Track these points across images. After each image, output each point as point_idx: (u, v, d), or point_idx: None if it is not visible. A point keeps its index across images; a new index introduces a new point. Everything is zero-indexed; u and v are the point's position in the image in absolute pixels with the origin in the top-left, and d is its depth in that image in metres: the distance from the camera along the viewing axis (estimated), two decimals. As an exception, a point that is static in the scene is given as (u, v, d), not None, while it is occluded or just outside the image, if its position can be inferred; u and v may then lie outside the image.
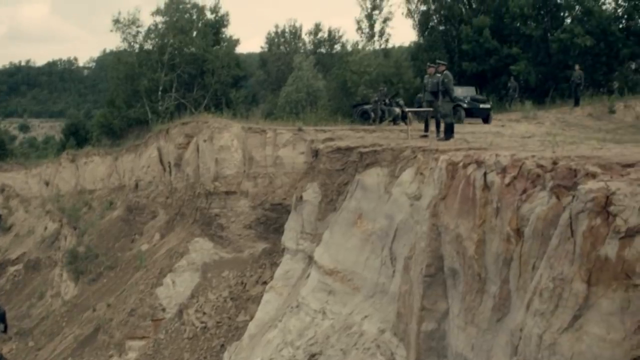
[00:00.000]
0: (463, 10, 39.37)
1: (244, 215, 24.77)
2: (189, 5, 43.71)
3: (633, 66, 38.99)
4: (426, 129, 18.96)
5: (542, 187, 8.80)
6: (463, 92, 27.42)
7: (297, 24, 52.85)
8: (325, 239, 16.34)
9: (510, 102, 32.48)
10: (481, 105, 26.89)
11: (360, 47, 43.38)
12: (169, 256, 25.76)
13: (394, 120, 26.38)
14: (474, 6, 40.05)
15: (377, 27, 44.04)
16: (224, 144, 25.00)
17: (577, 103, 30.06)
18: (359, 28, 44.25)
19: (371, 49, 43.72)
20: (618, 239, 6.15)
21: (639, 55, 35.88)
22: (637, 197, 6.31)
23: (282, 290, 18.28)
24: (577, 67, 30.32)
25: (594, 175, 8.10)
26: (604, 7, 36.25)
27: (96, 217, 34.88)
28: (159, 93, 41.59)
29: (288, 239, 18.21)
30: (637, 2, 36.11)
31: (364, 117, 27.04)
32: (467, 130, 20.98)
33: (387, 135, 23.22)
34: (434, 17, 41.80)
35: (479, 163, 9.82)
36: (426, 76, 18.93)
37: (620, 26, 35.70)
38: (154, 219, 29.94)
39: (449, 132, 17.24)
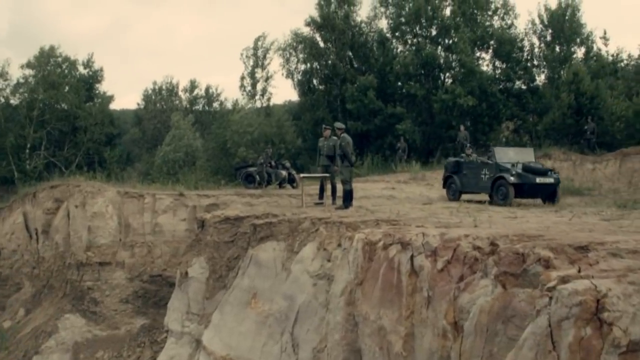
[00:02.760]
0: (345, 69, 38.88)
1: (120, 289, 22.46)
2: (60, 59, 41.46)
3: (511, 126, 39.70)
4: (321, 196, 17.59)
5: (483, 273, 7.55)
6: (513, 156, 19.26)
7: (174, 81, 51.26)
8: (215, 321, 14.48)
9: (398, 162, 31.90)
10: (539, 180, 18.00)
11: (241, 105, 42.18)
12: (34, 335, 22.87)
13: (281, 184, 25.11)
14: (355, 65, 39.74)
15: (260, 86, 43.06)
16: (97, 210, 22.72)
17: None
18: (242, 86, 43.12)
19: (253, 107, 42.57)
20: (618, 355, 4.86)
21: (518, 115, 36.46)
22: (631, 299, 5.09)
23: (166, 378, 16.18)
24: (462, 127, 30.22)
25: (546, 262, 6.95)
26: (483, 69, 36.83)
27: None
28: (27, 151, 39.15)
29: (172, 320, 16.15)
30: (512, 65, 36.96)
31: (249, 181, 25.56)
32: (360, 195, 19.94)
33: (277, 201, 21.86)
34: (316, 76, 41.18)
35: (404, 244, 8.48)
36: (321, 139, 17.62)
37: (500, 87, 36.27)
38: (18, 292, 26.82)
39: (348, 200, 16.01)
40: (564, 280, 5.89)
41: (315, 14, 39.26)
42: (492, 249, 7.85)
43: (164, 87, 50.32)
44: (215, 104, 52.26)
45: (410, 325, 8.17)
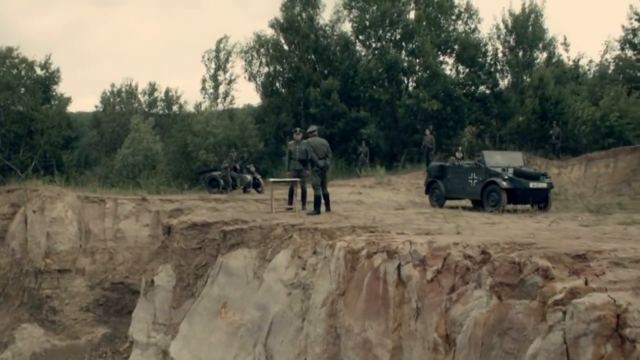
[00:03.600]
0: (309, 72, 38.43)
1: (80, 297, 21.67)
2: (17, 60, 40.17)
3: (473, 131, 39.72)
4: (290, 201, 17.08)
5: (476, 284, 7.17)
6: (502, 161, 18.48)
7: (134, 83, 50.09)
8: (183, 331, 13.92)
9: (361, 167, 31.56)
10: (532, 184, 17.32)
11: (203, 108, 41.44)
12: (-11, 347, 22.04)
13: (245, 189, 24.57)
14: (317, 68, 39.34)
15: (222, 89, 42.41)
16: (56, 215, 21.91)
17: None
18: (203, 88, 42.37)
19: (215, 110, 41.85)
20: (642, 375, 4.51)
21: (482, 120, 36.47)
22: (653, 314, 4.75)
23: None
24: (427, 131, 29.99)
25: (545, 272, 6.61)
26: (447, 73, 36.79)
27: None
28: (-19, 154, 37.80)
29: (137, 330, 15.50)
30: (476, 70, 36.98)
31: (212, 185, 24.92)
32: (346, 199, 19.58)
33: (243, 206, 21.33)
34: (279, 79, 40.69)
35: (391, 253, 8.07)
36: (291, 142, 17.09)
37: (464, 91, 36.22)
38: (-29, 302, 25.89)
39: (317, 206, 15.58)
40: (573, 292, 5.54)
41: (279, 16, 38.86)
42: (483, 257, 7.49)
43: (123, 89, 49.22)
44: (175, 107, 51.33)
45: (397, 338, 7.77)
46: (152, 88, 50.55)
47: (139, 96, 50.42)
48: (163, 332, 14.86)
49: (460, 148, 23.14)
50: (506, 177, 17.15)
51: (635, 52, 37.18)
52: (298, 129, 17.56)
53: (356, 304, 8.42)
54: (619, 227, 11.59)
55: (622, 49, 37.39)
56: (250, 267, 12.98)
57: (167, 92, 50.83)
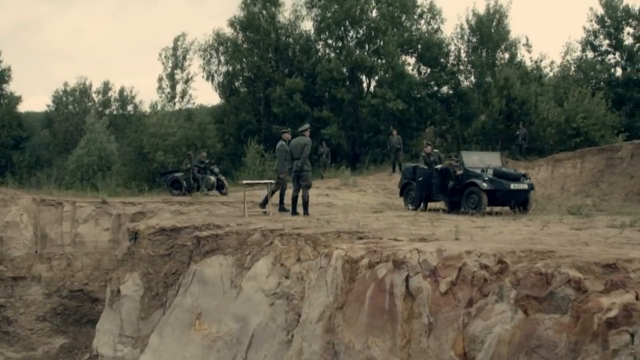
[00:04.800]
0: (270, 71, 37.65)
1: (37, 305, 20.50)
2: (-34, 59, 38.63)
3: (433, 131, 39.40)
4: (264, 204, 16.30)
5: (497, 297, 6.55)
6: (480, 161, 17.73)
7: (88, 82, 48.69)
8: (153, 344, 13.00)
9: (324, 168, 30.87)
10: (513, 186, 16.54)
11: (159, 107, 40.27)
12: (-63, 360, 20.76)
13: (209, 190, 23.69)
14: (279, 67, 38.58)
15: (179, 88, 41.33)
16: (10, 219, 20.65)
17: (395, 169, 29.05)
18: (160, 87, 41.26)
19: (171, 110, 40.78)
20: None
21: (445, 120, 36.21)
22: None
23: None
24: (394, 132, 29.43)
25: (577, 283, 6.04)
26: (411, 72, 36.46)
27: None
28: None
29: (102, 343, 14.48)
30: (439, 70, 36.70)
31: (175, 187, 23.95)
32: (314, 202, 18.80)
33: (208, 209, 20.48)
34: (238, 78, 39.81)
35: (398, 263, 7.38)
36: (283, 143, 16.11)
37: (428, 91, 35.90)
38: None
39: (295, 209, 14.91)
40: (628, 310, 4.94)
41: (238, 14, 38.05)
42: (501, 267, 6.88)
43: (76, 88, 47.74)
44: (130, 107, 50.07)
45: (407, 356, 7.09)
46: (106, 87, 49.28)
47: (93, 95, 49.03)
48: (131, 345, 13.92)
49: (425, 142, 22.15)
50: (486, 178, 16.40)
51: (596, 53, 37.40)
52: (287, 128, 16.86)
53: (357, 319, 7.71)
54: (612, 231, 11.12)
55: (583, 50, 37.58)
56: (227, 275, 12.16)
57: (121, 91, 49.58)
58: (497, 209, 17.36)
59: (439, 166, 18.37)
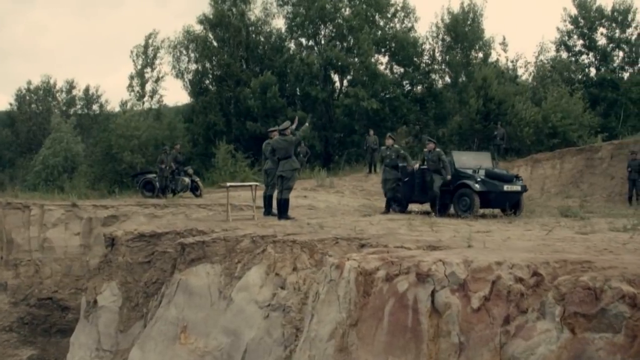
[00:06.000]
0: (240, 69, 36.80)
1: (3, 315, 19.59)
2: None
3: (406, 131, 38.98)
4: (269, 209, 15.61)
5: (539, 314, 5.94)
6: (471, 162, 17.03)
7: (52, 81, 47.34)
8: (134, 359, 12.16)
9: (300, 168, 30.13)
10: (506, 187, 15.83)
11: (129, 106, 39.21)
12: None
13: (182, 192, 22.89)
14: (249, 66, 37.74)
15: (149, 87, 40.32)
16: (-27, 224, 19.74)
17: (371, 169, 28.49)
18: (130, 86, 40.15)
19: (140, 109, 39.73)
20: None
21: (420, 120, 35.81)
22: None
23: None
24: (371, 132, 28.87)
25: (632, 299, 5.48)
26: (385, 72, 36.00)
27: None
28: None
29: (78, 358, 13.53)
30: (413, 69, 36.30)
31: (147, 189, 23.03)
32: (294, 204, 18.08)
33: (185, 212, 19.74)
34: (208, 76, 38.89)
35: (421, 276, 6.71)
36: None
37: (403, 91, 35.46)
38: None
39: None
40: None
41: (208, 11, 37.21)
42: (536, 280, 6.27)
43: (40, 87, 46.37)
44: (95, 106, 48.81)
45: (433, 379, 6.45)
46: (70, 86, 47.91)
47: (57, 95, 47.66)
48: (109, 359, 13.07)
49: (389, 134, 21.20)
50: (479, 179, 15.66)
51: (570, 54, 37.35)
52: (274, 127, 16.24)
53: (375, 337, 7.03)
54: (622, 235, 10.62)
55: (558, 50, 37.50)
56: (215, 285, 11.37)
57: (86, 90, 48.24)
58: (487, 211, 16.84)
59: (416, 166, 17.60)
